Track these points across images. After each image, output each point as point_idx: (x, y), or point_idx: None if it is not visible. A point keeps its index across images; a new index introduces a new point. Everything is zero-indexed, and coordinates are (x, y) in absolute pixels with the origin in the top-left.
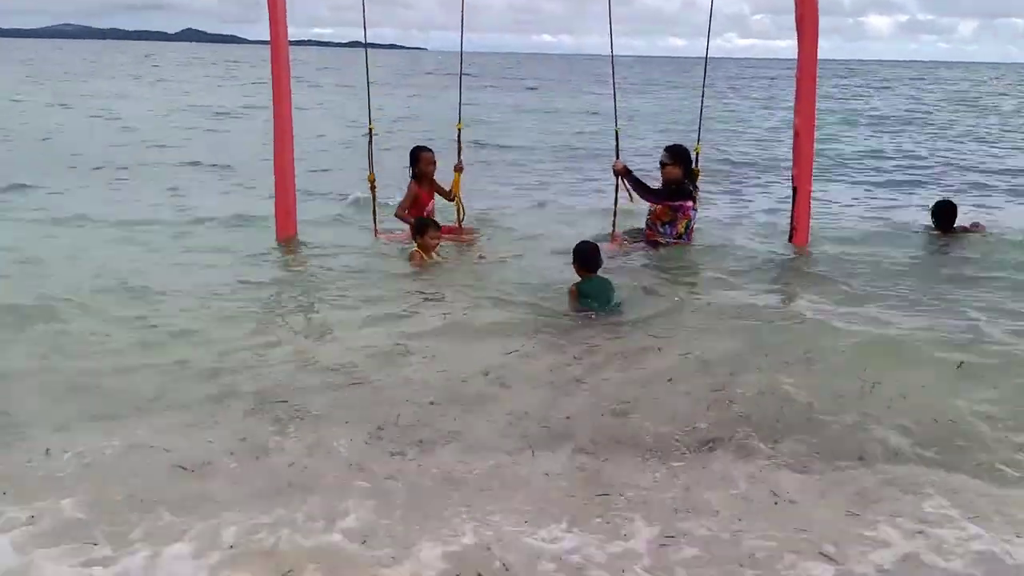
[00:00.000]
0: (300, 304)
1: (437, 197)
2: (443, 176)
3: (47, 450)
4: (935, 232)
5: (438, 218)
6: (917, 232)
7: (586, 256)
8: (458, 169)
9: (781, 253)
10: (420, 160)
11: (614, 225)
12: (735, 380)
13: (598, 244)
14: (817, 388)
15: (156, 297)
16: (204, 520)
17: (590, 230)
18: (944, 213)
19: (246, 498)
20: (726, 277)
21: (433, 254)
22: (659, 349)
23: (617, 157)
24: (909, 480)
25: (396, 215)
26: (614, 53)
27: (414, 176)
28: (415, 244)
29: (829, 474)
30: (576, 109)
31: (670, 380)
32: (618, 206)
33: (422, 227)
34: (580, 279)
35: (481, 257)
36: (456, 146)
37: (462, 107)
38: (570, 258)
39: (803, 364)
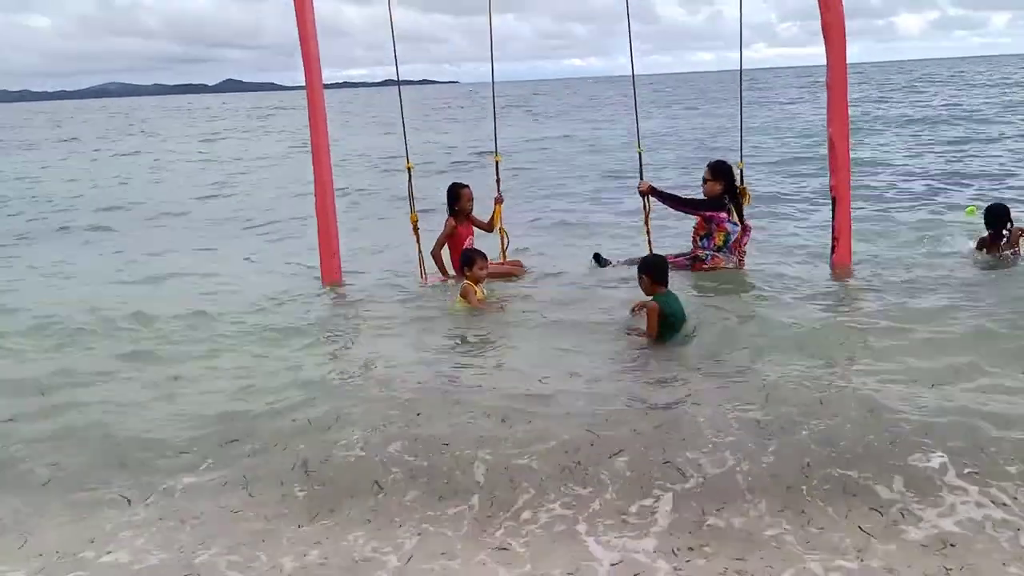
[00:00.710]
0: (347, 349)
1: (477, 231)
2: (482, 209)
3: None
4: (982, 250)
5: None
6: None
7: (660, 269)
8: (498, 201)
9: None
10: (461, 197)
11: (649, 244)
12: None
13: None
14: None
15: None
16: None
17: (630, 249)
18: (996, 215)
19: None
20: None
21: (481, 288)
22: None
23: (641, 178)
24: None
25: (432, 253)
26: (638, 72)
27: (452, 212)
28: (464, 279)
29: None
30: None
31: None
32: (650, 224)
33: (469, 260)
34: (652, 295)
35: (502, 306)
36: (495, 178)
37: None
38: (629, 275)
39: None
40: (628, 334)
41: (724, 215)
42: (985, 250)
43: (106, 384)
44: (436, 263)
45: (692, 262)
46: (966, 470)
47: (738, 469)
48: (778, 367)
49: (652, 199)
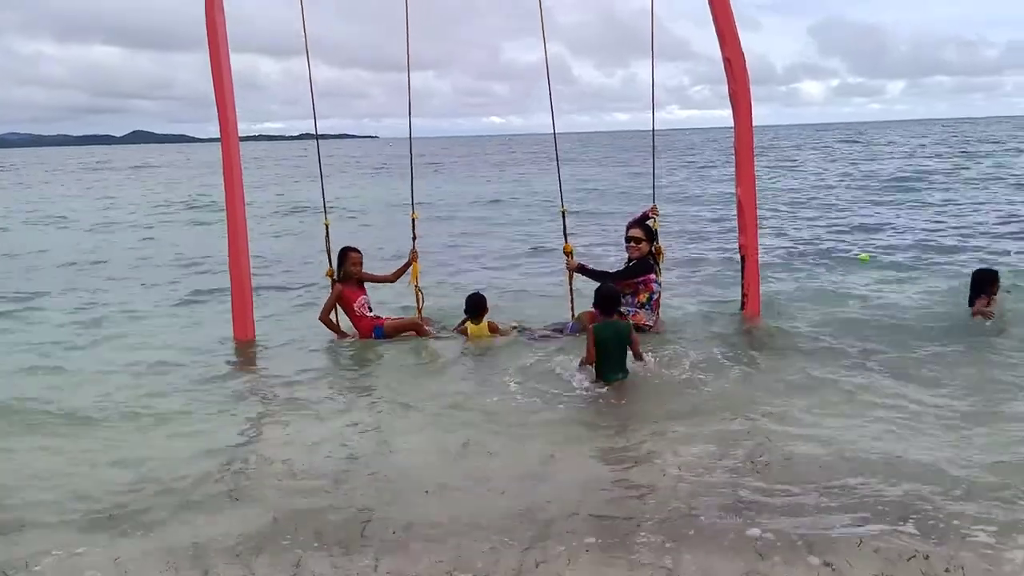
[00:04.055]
0: (263, 412)
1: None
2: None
3: None
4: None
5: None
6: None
7: (606, 299)
8: (414, 258)
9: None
10: (347, 260)
11: (572, 312)
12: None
13: None
14: None
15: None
16: None
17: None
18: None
19: None
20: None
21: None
22: None
23: (565, 238)
24: None
25: (320, 319)
26: (558, 131)
27: (339, 277)
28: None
29: None
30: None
31: None
32: (573, 286)
33: (477, 307)
34: (593, 324)
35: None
36: (411, 235)
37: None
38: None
39: None
40: (580, 366)
41: (652, 276)
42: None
43: None
44: (327, 326)
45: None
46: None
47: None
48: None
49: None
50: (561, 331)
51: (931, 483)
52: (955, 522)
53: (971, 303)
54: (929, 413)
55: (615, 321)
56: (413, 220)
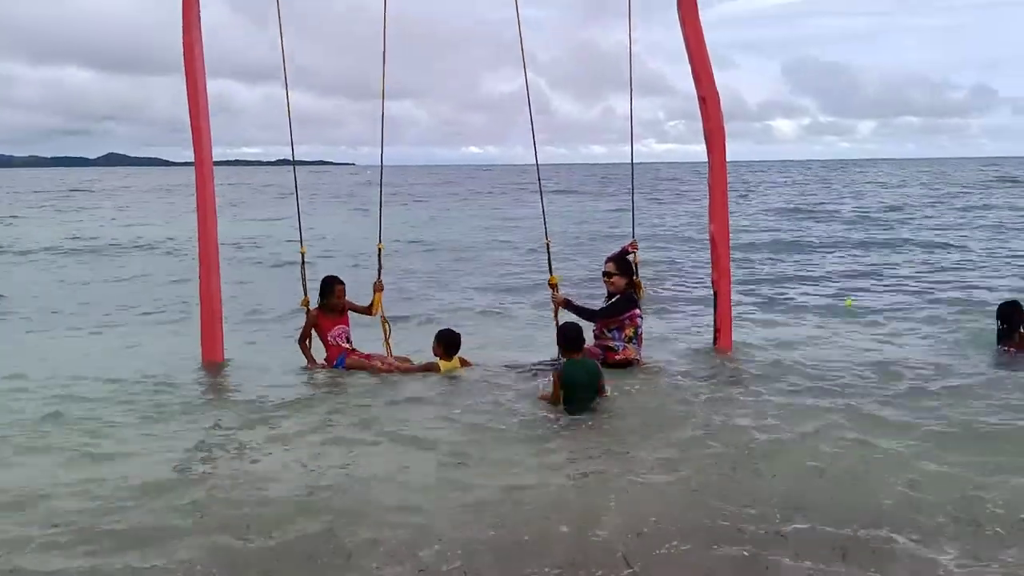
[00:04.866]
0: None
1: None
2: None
3: None
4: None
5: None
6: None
7: (568, 337)
8: (378, 288)
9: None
10: (333, 293)
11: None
12: None
13: None
14: None
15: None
16: None
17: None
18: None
19: None
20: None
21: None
22: None
23: (550, 271)
24: None
25: (299, 342)
26: (532, 162)
27: (321, 306)
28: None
29: None
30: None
31: None
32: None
33: (451, 341)
34: (562, 361)
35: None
36: (377, 265)
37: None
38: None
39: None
40: (540, 399)
41: (638, 311)
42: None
43: None
44: (302, 351)
45: (605, 352)
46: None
47: None
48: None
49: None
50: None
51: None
52: None
53: (1000, 339)
54: None
55: (584, 360)
56: (379, 250)
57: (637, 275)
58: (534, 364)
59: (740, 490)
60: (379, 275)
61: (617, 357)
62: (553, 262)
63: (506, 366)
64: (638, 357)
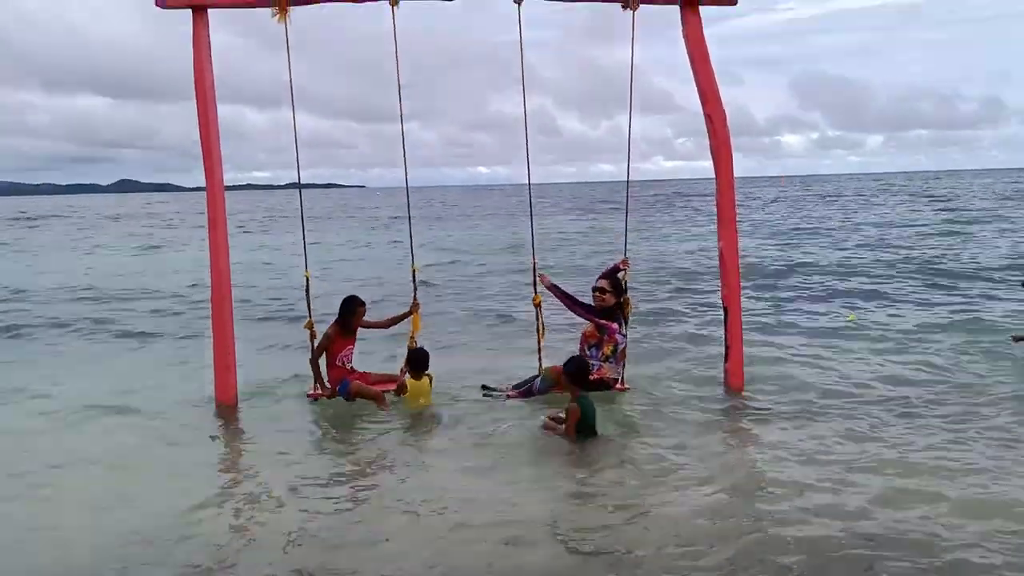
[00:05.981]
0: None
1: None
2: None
3: None
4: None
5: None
6: None
7: (583, 372)
8: (414, 308)
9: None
10: (356, 314)
11: (539, 357)
12: None
13: None
14: None
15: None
16: None
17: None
18: None
19: None
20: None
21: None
22: None
23: (535, 289)
24: None
25: (311, 361)
26: (543, 181)
27: (341, 324)
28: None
29: None
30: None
31: None
32: (543, 342)
33: (419, 361)
34: (575, 398)
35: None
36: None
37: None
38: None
39: None
40: (544, 429)
41: (616, 325)
42: None
43: None
44: (312, 369)
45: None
46: None
47: None
48: None
49: (546, 299)
50: (530, 390)
51: None
52: None
53: None
54: None
55: (587, 395)
56: (414, 272)
57: (626, 292)
58: (511, 386)
59: None
60: (415, 295)
61: (591, 377)
62: (557, 280)
63: (497, 392)
64: (615, 377)
